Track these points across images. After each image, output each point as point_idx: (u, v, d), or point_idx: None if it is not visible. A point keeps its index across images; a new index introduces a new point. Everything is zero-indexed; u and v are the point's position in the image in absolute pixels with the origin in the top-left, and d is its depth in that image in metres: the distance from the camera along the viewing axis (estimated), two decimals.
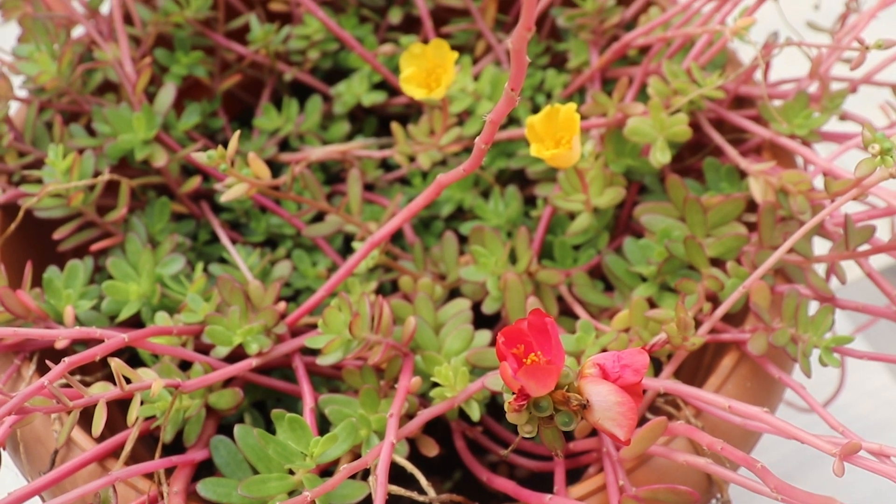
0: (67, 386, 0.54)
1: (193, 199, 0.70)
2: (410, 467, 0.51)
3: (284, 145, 0.74)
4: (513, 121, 0.72)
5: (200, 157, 0.54)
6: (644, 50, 0.71)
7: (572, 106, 0.54)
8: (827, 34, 0.72)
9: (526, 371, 0.38)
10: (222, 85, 0.74)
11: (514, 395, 0.39)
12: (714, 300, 0.58)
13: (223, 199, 0.57)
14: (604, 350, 0.55)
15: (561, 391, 0.40)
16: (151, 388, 0.50)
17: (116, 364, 0.50)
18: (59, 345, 0.55)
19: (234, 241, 0.68)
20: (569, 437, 0.57)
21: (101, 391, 0.51)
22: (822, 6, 0.78)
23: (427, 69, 0.58)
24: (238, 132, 0.54)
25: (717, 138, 0.64)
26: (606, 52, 0.69)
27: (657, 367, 0.57)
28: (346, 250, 0.69)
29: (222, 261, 0.68)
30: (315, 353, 0.57)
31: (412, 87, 0.58)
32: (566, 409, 0.40)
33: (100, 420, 0.49)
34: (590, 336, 0.55)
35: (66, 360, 0.49)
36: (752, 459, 0.47)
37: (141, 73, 0.65)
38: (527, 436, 0.41)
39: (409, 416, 0.54)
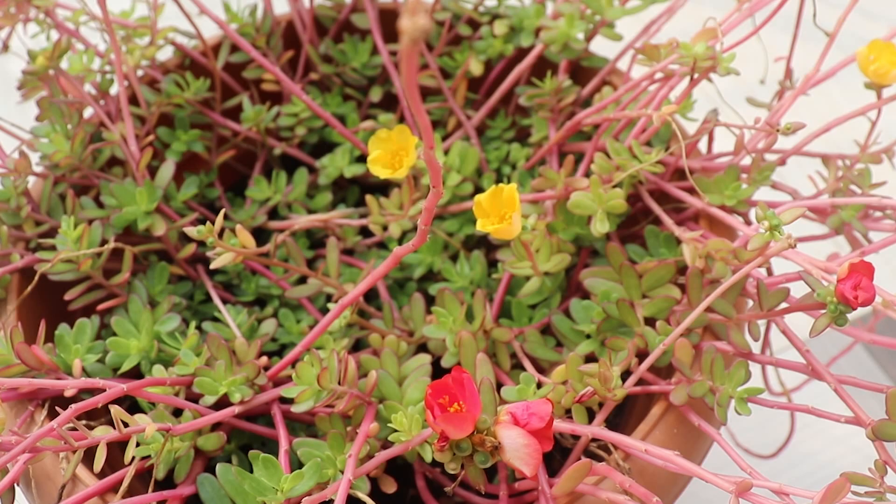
0: (74, 429, 0.64)
1: (190, 262, 0.81)
2: (370, 501, 0.61)
3: (274, 213, 0.85)
4: (480, 190, 0.82)
5: (192, 232, 0.65)
6: (598, 125, 0.81)
7: (513, 186, 0.64)
8: (765, 109, 0.82)
9: (443, 417, 0.48)
10: (219, 159, 0.85)
11: (438, 437, 0.49)
12: (645, 355, 0.68)
13: (212, 265, 0.67)
14: None
15: (479, 435, 0.50)
16: (146, 431, 0.61)
17: (116, 410, 0.60)
18: (68, 393, 0.66)
19: (226, 301, 0.79)
20: (513, 478, 0.67)
21: (102, 434, 0.62)
22: (766, 81, 0.89)
23: (392, 151, 0.69)
24: (223, 211, 0.64)
25: (656, 208, 0.74)
26: (562, 128, 0.79)
27: (592, 415, 0.67)
28: (328, 309, 0.79)
29: (215, 319, 0.78)
30: (292, 401, 0.67)
31: (378, 167, 0.69)
32: (482, 450, 0.50)
33: (101, 458, 0.60)
34: (530, 387, 0.65)
35: (73, 406, 0.60)
36: (649, 494, 0.56)
37: (143, 153, 0.76)
38: (452, 472, 0.51)
39: (369, 456, 0.64)
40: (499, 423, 0.50)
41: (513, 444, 0.49)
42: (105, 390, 0.63)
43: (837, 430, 1.10)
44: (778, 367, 0.67)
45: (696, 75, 0.71)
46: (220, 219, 0.65)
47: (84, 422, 0.67)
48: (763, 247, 0.60)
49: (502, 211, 0.65)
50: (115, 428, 0.62)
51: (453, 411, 0.49)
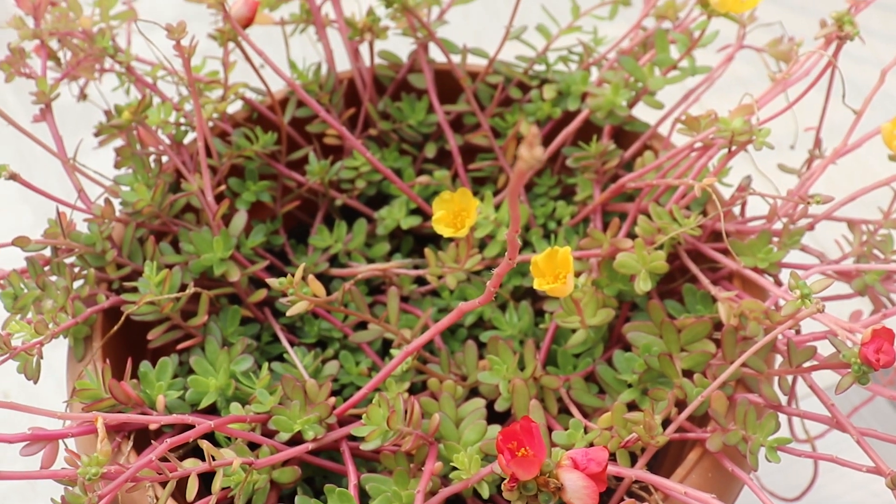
0: (164, 460, 0.73)
1: (258, 305, 0.90)
2: None
3: (334, 260, 0.94)
4: (527, 244, 0.91)
5: (273, 283, 0.74)
6: (640, 188, 0.90)
7: (567, 249, 0.73)
8: (796, 175, 0.91)
9: (515, 461, 0.57)
10: (284, 208, 0.95)
11: (508, 479, 0.58)
12: (683, 405, 0.76)
13: (289, 312, 0.76)
14: (590, 444, 0.74)
15: (543, 476, 0.59)
16: (233, 464, 0.69)
17: (206, 445, 0.69)
18: (153, 426, 0.75)
19: (291, 343, 0.88)
20: None
21: (192, 466, 0.71)
22: (797, 148, 0.98)
23: (454, 212, 0.78)
24: (303, 265, 0.74)
25: (693, 267, 0.83)
26: (606, 190, 0.88)
27: (634, 458, 0.75)
28: (384, 352, 0.88)
29: (280, 358, 0.87)
30: (357, 439, 0.76)
31: (442, 226, 0.77)
32: (546, 490, 0.59)
33: (193, 488, 0.69)
34: (578, 432, 0.74)
35: (168, 440, 0.69)
36: None
37: (220, 204, 0.85)
38: None
39: (432, 493, 0.72)
40: (561, 467, 0.59)
41: (573, 486, 0.58)
42: (193, 426, 0.72)
43: (859, 476, 1.18)
44: (805, 418, 0.76)
45: (733, 147, 0.80)
46: (299, 272, 0.74)
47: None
48: (794, 311, 0.69)
49: (556, 271, 0.74)
50: (203, 460, 0.71)
51: (521, 455, 0.58)
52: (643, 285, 0.79)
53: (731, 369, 0.72)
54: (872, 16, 0.91)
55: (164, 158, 0.92)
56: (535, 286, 0.73)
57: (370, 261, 0.94)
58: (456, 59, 0.97)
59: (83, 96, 0.99)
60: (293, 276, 0.75)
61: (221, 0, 0.83)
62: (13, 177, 0.81)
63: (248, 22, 0.87)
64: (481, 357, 0.84)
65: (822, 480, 1.08)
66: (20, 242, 0.83)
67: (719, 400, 0.74)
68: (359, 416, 0.78)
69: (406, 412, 0.73)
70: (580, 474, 0.58)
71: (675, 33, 0.92)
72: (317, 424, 0.76)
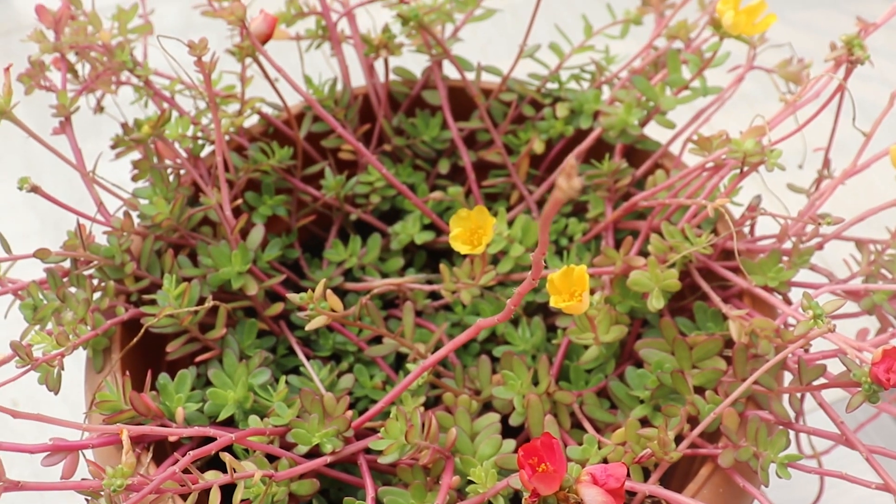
0: (186, 471, 0.74)
1: (273, 318, 0.92)
2: None
3: (348, 274, 0.96)
4: None
5: (294, 298, 0.76)
6: (651, 206, 0.92)
7: (583, 267, 0.75)
8: (805, 195, 0.93)
9: (537, 477, 0.59)
10: (299, 222, 0.96)
11: (529, 494, 0.60)
12: (695, 421, 0.78)
13: (308, 327, 0.78)
14: (604, 459, 0.75)
15: (563, 492, 0.61)
16: (254, 477, 0.71)
17: (229, 458, 0.71)
18: (173, 438, 0.77)
19: (306, 356, 0.90)
20: None
21: (213, 478, 0.72)
22: (805, 166, 1.00)
23: (471, 229, 0.80)
24: (324, 280, 0.75)
25: (704, 285, 0.85)
26: (618, 208, 0.90)
27: (647, 474, 0.77)
28: (398, 365, 0.90)
29: (295, 371, 0.89)
30: (373, 452, 0.77)
31: (459, 243, 0.79)
32: None
33: (215, 501, 0.70)
34: (593, 447, 0.76)
35: (192, 452, 0.70)
36: None
37: (239, 219, 0.87)
38: None
39: None
40: (580, 482, 0.61)
41: (593, 501, 0.60)
42: (212, 438, 0.73)
43: (862, 491, 1.19)
44: (815, 435, 0.78)
45: (745, 168, 0.82)
46: (320, 287, 0.76)
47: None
48: (807, 331, 0.71)
49: (572, 289, 0.75)
50: (222, 472, 0.72)
51: (542, 471, 0.60)
52: (656, 303, 0.81)
53: (743, 387, 0.73)
54: (878, 34, 0.92)
55: (182, 172, 0.94)
56: (552, 303, 0.75)
57: (384, 275, 0.96)
58: (470, 76, 0.99)
59: (100, 108, 1.01)
60: (311, 290, 0.77)
61: (241, 17, 0.85)
62: (34, 189, 0.83)
63: (266, 38, 0.89)
64: (494, 372, 0.86)
65: (826, 496, 1.10)
66: (41, 254, 0.84)
67: (731, 417, 0.76)
68: (374, 430, 0.80)
69: (424, 426, 0.75)
70: (599, 489, 0.60)
71: (686, 53, 0.94)
72: (335, 438, 0.77)
